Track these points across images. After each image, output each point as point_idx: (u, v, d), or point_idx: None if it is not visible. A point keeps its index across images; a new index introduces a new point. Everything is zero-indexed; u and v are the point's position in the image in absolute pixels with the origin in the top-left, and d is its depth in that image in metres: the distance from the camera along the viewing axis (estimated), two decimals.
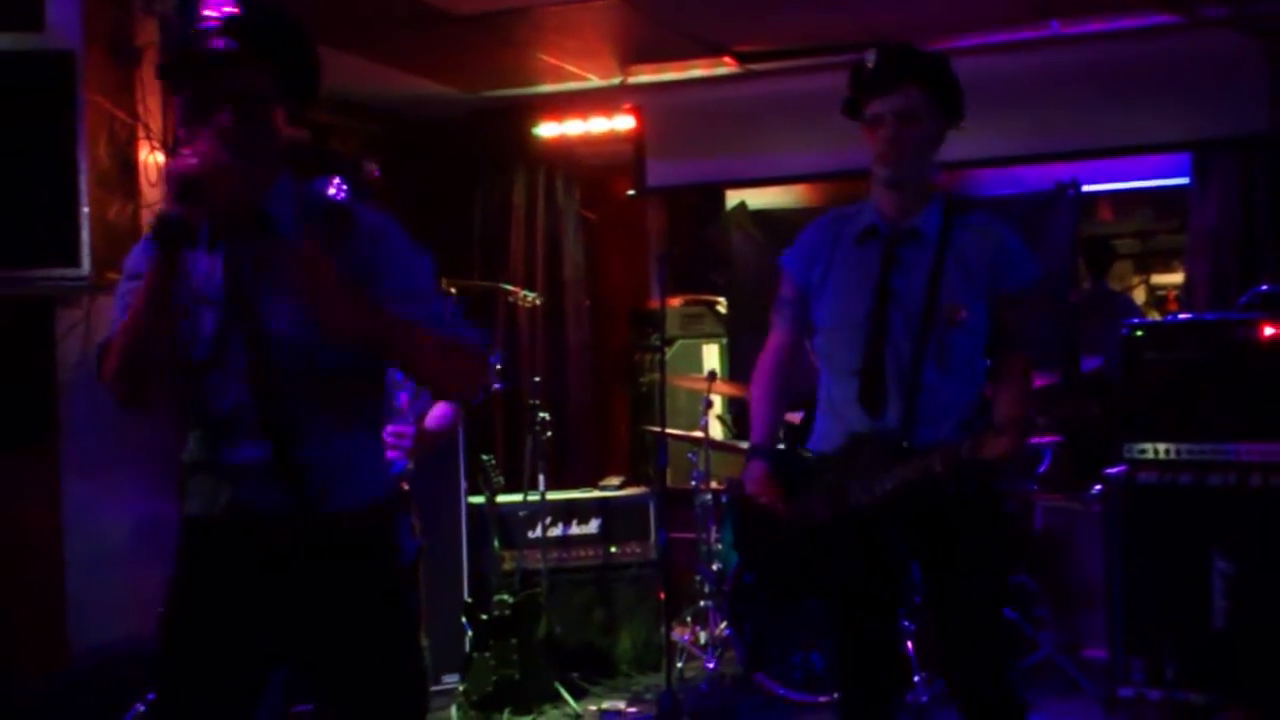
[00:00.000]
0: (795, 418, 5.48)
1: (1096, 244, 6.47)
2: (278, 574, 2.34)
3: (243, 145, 2.24)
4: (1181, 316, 5.22)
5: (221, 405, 2.33)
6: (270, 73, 2.31)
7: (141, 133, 4.25)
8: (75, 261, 3.82)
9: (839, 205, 6.61)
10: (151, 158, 4.29)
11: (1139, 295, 9.21)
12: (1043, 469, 5.53)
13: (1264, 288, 4.98)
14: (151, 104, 4.29)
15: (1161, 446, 4.31)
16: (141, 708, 3.93)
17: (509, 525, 5.38)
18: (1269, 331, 4.20)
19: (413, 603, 2.53)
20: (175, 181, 2.13)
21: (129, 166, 4.18)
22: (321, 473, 2.33)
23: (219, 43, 2.25)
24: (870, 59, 3.03)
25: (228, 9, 2.28)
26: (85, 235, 3.81)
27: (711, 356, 6.87)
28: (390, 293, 2.28)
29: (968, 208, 3.10)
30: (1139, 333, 4.42)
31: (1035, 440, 5.37)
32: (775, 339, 3.29)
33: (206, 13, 2.28)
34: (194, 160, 2.14)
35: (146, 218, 4.26)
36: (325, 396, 2.33)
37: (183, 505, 2.44)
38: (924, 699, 4.59)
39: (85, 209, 3.80)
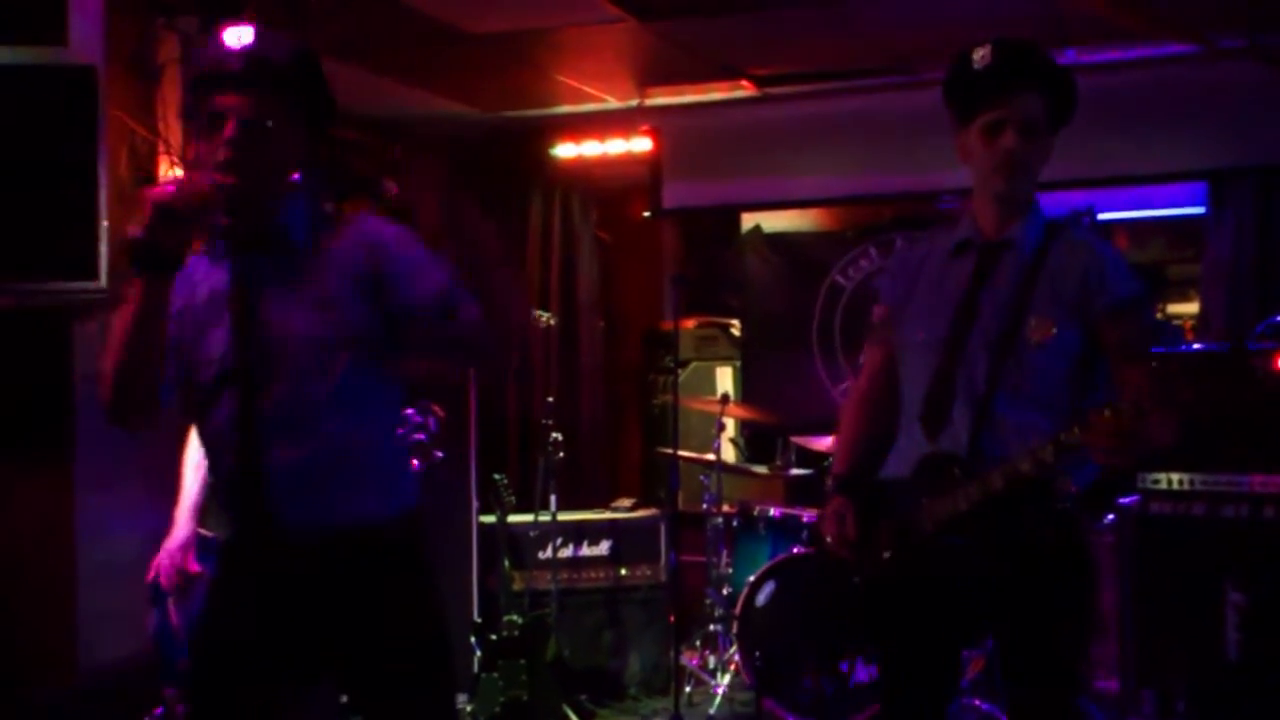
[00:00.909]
0: (824, 444, 5.42)
1: (1142, 272, 6.46)
2: (301, 592, 2.35)
3: (245, 167, 2.31)
4: (1196, 347, 5.20)
5: (218, 421, 2.37)
6: (278, 100, 2.36)
7: (161, 148, 4.28)
8: (93, 275, 3.83)
9: (855, 229, 6.56)
10: (171, 173, 4.31)
11: None
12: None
13: (1278, 318, 4.97)
14: (171, 120, 4.32)
15: (1175, 477, 4.29)
16: None
17: (519, 545, 5.38)
18: None
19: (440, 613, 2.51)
20: (150, 209, 2.19)
21: (148, 181, 4.21)
22: (321, 485, 2.34)
23: (230, 68, 2.33)
24: (984, 56, 2.73)
25: (243, 39, 2.35)
26: (104, 249, 3.82)
27: (725, 379, 6.87)
28: (400, 293, 2.36)
29: (1069, 223, 2.86)
30: (1153, 362, 4.40)
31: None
32: (867, 367, 3.02)
33: (223, 39, 2.35)
34: (170, 189, 2.20)
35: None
36: (340, 402, 2.34)
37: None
38: None
39: (104, 223, 3.81)
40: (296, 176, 2.46)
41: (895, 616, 2.80)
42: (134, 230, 2.21)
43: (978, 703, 4.60)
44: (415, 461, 3.87)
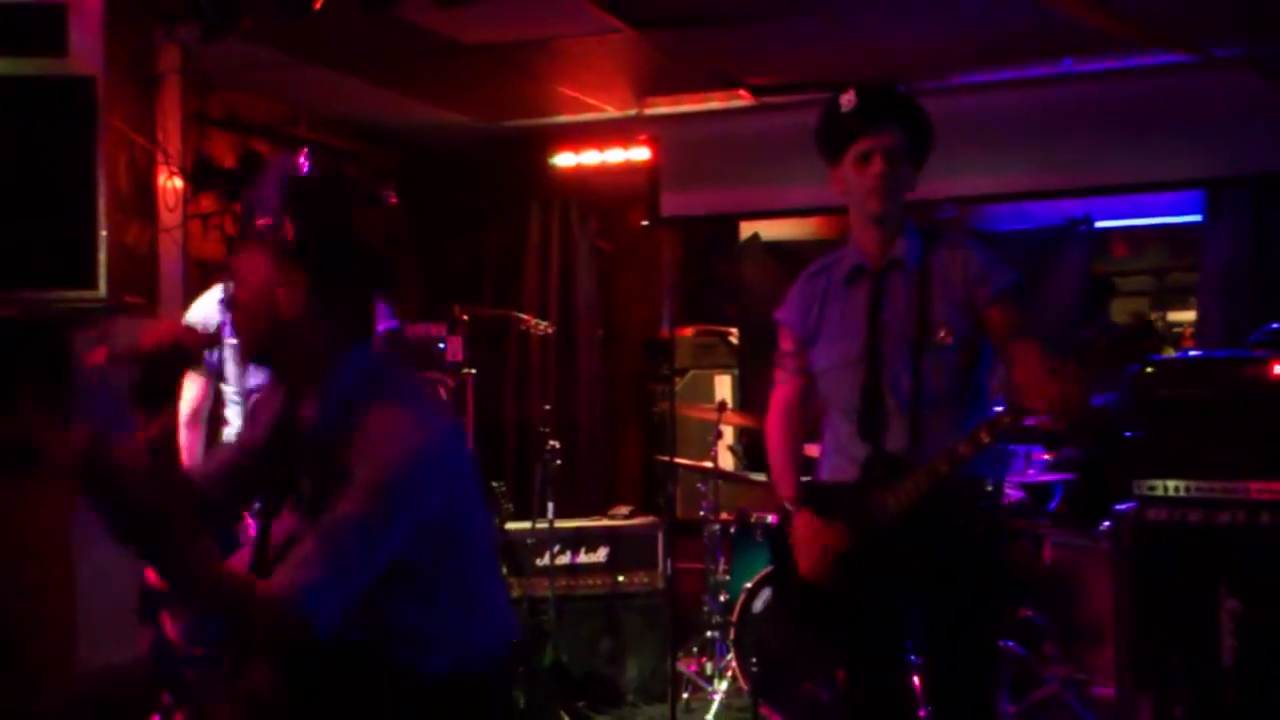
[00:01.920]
0: (814, 450, 5.49)
1: (1094, 281, 6.48)
2: None
3: (243, 323, 2.22)
4: (1192, 353, 5.22)
5: None
6: (273, 256, 2.15)
7: (160, 158, 4.30)
8: (92, 284, 3.86)
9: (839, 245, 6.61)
10: (169, 183, 4.34)
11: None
12: (1053, 505, 5.52)
13: (1275, 326, 4.98)
14: (170, 130, 4.36)
15: (1171, 483, 4.29)
16: None
17: (517, 553, 5.39)
18: (1279, 369, 4.20)
19: None
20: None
21: (147, 191, 4.24)
22: None
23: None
24: (849, 100, 3.14)
25: (271, 190, 2.17)
26: (102, 258, 3.85)
27: (723, 387, 6.88)
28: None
29: (939, 232, 3.19)
30: (1149, 369, 4.41)
31: (1046, 477, 5.38)
32: (780, 393, 3.36)
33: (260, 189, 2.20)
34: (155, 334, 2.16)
35: (165, 243, 4.31)
36: None
37: None
38: None
39: (103, 232, 3.84)
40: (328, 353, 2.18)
41: (852, 609, 3.13)
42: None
43: None
44: None
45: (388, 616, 2.13)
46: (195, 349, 2.21)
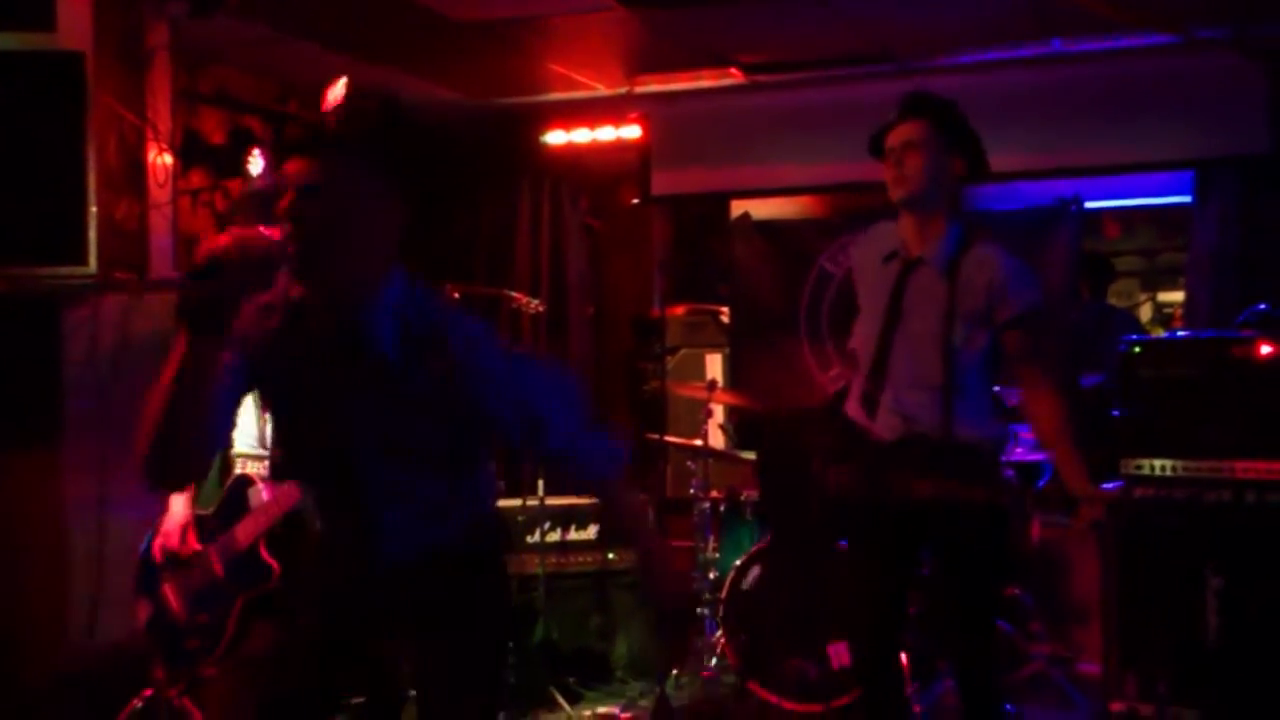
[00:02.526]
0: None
1: (1095, 261, 6.50)
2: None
3: (324, 235, 2.18)
4: (1180, 334, 5.24)
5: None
6: (368, 166, 2.23)
7: (150, 134, 4.28)
8: (82, 260, 3.85)
9: (843, 216, 6.66)
10: (159, 159, 4.32)
11: (1145, 312, 9.23)
12: (1041, 484, 5.55)
13: (1262, 306, 5.00)
14: (160, 106, 4.33)
15: (1159, 463, 4.32)
16: (140, 705, 3.96)
17: (507, 530, 5.40)
18: (1266, 350, 4.22)
19: None
20: (198, 256, 2.04)
21: (137, 167, 4.22)
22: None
23: (324, 125, 2.22)
24: (894, 109, 3.40)
25: (331, 98, 2.26)
26: (92, 235, 3.84)
27: (714, 365, 6.89)
28: (498, 399, 2.37)
29: (979, 237, 3.39)
30: (1137, 350, 4.44)
31: (1034, 456, 5.41)
32: None
33: (328, 96, 2.28)
34: (225, 240, 2.04)
35: (154, 219, 4.30)
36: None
37: None
38: (917, 708, 4.60)
39: (93, 209, 3.83)
40: (385, 266, 2.30)
41: (864, 524, 3.44)
42: (181, 280, 2.04)
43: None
44: None
45: None
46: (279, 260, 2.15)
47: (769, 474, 3.74)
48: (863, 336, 3.45)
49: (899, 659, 3.57)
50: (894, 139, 3.35)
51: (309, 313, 2.29)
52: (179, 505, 3.85)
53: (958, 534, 3.32)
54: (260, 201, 3.77)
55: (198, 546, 3.83)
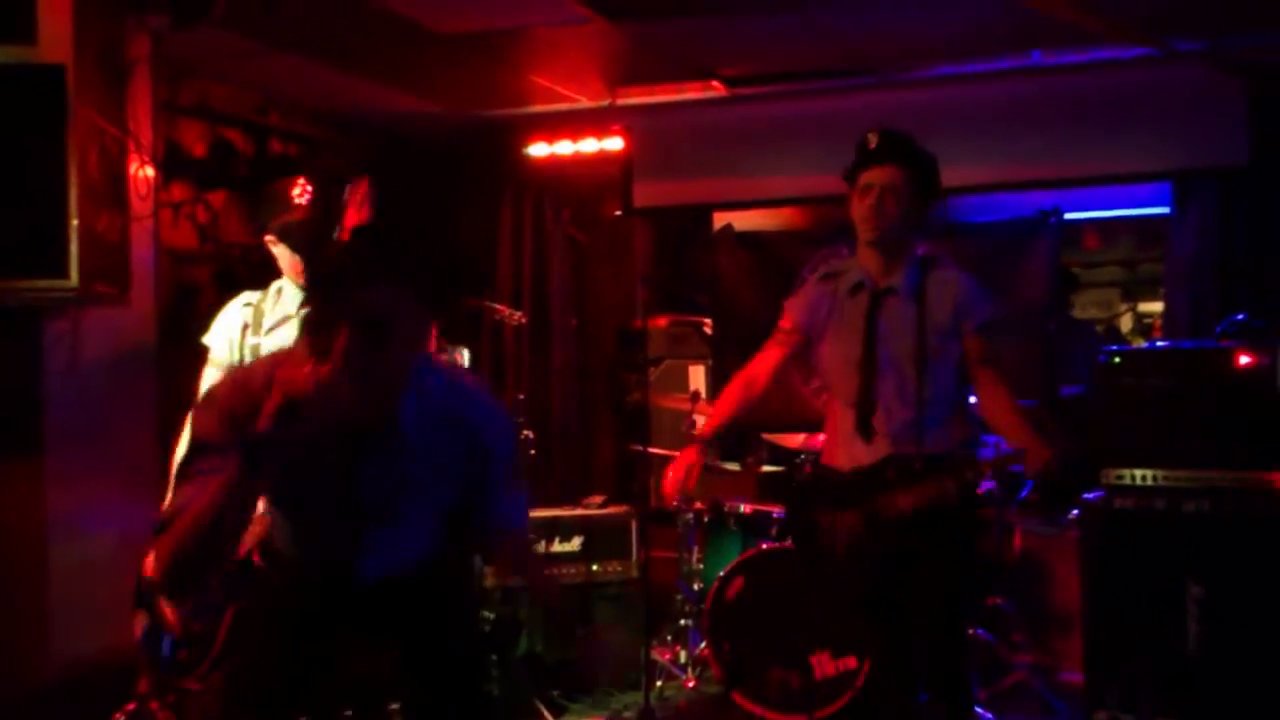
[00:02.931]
0: (795, 440, 5.59)
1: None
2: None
3: (365, 366, 2.26)
4: (1158, 344, 5.27)
5: None
6: (398, 292, 2.32)
7: (131, 146, 4.27)
8: (63, 274, 3.83)
9: (825, 228, 6.72)
10: (141, 172, 4.31)
11: (1125, 323, 9.28)
12: (1023, 495, 5.57)
13: (1241, 316, 5.04)
14: (141, 119, 4.32)
15: (1138, 473, 4.35)
16: (121, 718, 3.94)
17: (485, 545, 5.38)
18: (1245, 360, 4.25)
19: None
20: (283, 401, 2.14)
21: (118, 180, 4.20)
22: None
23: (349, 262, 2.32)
24: (873, 140, 3.62)
25: (361, 220, 2.38)
26: (74, 248, 3.82)
27: (697, 377, 6.90)
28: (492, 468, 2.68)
29: (936, 263, 3.69)
30: (1116, 360, 4.47)
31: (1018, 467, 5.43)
32: (765, 354, 3.84)
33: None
34: (306, 384, 2.15)
35: (136, 232, 4.28)
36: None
37: None
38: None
39: (74, 221, 3.82)
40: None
41: (870, 557, 3.59)
42: (264, 424, 2.15)
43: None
44: None
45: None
46: None
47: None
48: (838, 364, 3.69)
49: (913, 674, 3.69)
50: (873, 178, 3.58)
51: (340, 403, 2.33)
52: None
53: (937, 541, 3.52)
54: (304, 231, 3.81)
55: None
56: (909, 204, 3.61)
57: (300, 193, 3.88)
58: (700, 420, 5.80)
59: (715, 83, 6.07)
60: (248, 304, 3.94)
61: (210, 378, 3.86)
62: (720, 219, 6.93)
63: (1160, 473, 4.31)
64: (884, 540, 3.56)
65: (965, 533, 3.68)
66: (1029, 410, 3.70)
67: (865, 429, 3.61)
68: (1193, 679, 4.15)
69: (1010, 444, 3.54)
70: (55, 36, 3.83)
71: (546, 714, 4.95)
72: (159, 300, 4.61)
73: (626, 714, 5.11)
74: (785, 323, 3.84)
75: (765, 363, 3.82)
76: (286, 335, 3.78)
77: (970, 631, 5.01)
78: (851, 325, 3.67)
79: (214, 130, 5.80)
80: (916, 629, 3.54)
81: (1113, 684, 4.28)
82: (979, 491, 5.30)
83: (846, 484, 3.64)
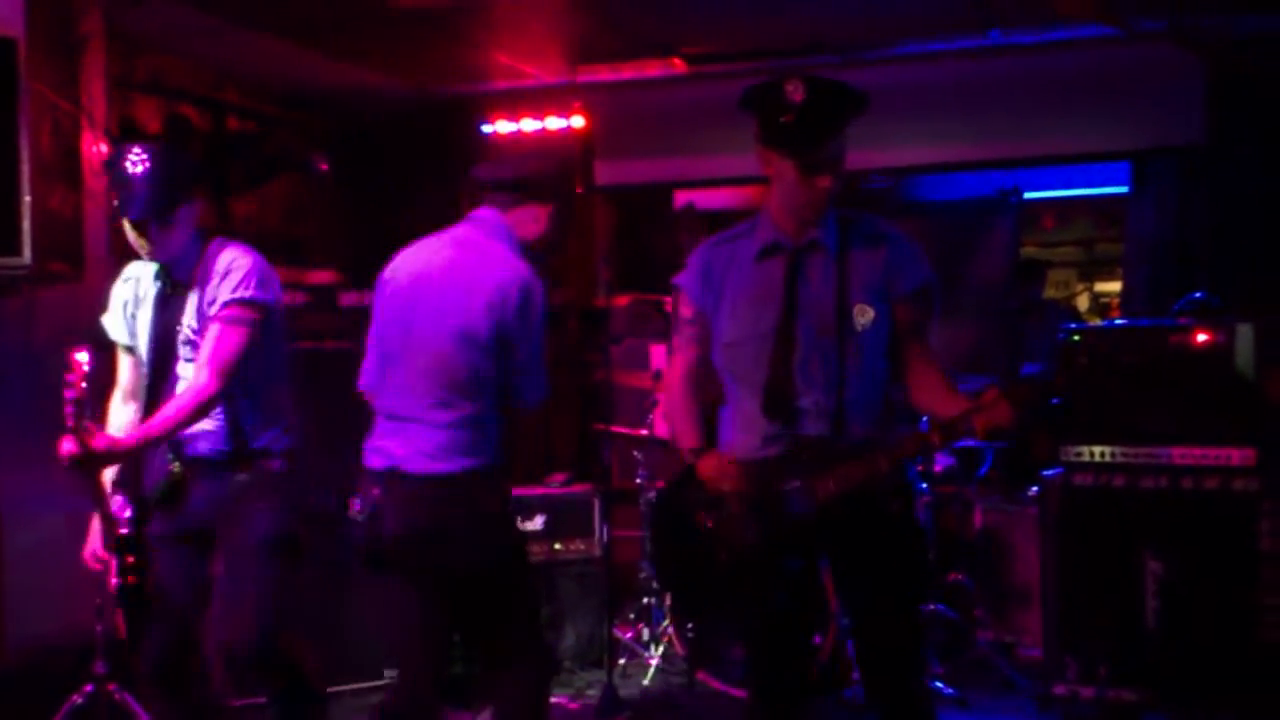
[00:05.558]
0: None
1: (1025, 263, 6.60)
2: None
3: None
4: (1117, 322, 5.31)
5: None
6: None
7: (85, 122, 4.22)
8: (16, 251, 3.79)
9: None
10: (95, 147, 4.26)
11: (1082, 302, 9.36)
12: (983, 471, 5.62)
13: (1198, 295, 5.09)
14: (95, 93, 4.27)
15: (1098, 449, 4.38)
16: (79, 700, 3.90)
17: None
18: (1202, 337, 4.29)
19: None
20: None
21: (72, 156, 4.15)
22: None
23: None
24: (798, 91, 2.97)
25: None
26: (26, 225, 3.78)
27: (659, 356, 6.89)
28: None
29: (858, 218, 3.08)
30: (1075, 338, 4.49)
31: (977, 444, 5.47)
32: (680, 360, 3.25)
33: None
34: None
35: (90, 208, 4.23)
36: None
37: None
38: (862, 698, 4.63)
39: (27, 198, 3.77)
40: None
41: (762, 576, 3.01)
42: None
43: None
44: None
45: None
46: None
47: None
48: (742, 339, 3.06)
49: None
50: (823, 159, 2.95)
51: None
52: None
53: (868, 544, 3.01)
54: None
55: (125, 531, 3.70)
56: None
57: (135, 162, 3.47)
58: (662, 398, 5.79)
59: (677, 60, 6.05)
60: (127, 279, 3.58)
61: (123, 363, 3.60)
62: (682, 197, 6.92)
63: (1119, 449, 4.34)
64: (786, 548, 2.98)
65: (902, 508, 3.06)
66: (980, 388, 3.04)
67: (776, 410, 2.99)
68: (1151, 653, 4.20)
69: (948, 417, 2.92)
70: (6, 10, 3.78)
71: None
72: (115, 278, 4.55)
73: (589, 692, 5.11)
74: (685, 309, 3.22)
75: (685, 372, 3.22)
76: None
77: (930, 607, 5.05)
78: (762, 293, 3.03)
79: (169, 106, 5.72)
80: (869, 610, 3.04)
81: (1072, 658, 4.31)
82: (936, 469, 5.36)
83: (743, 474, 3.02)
